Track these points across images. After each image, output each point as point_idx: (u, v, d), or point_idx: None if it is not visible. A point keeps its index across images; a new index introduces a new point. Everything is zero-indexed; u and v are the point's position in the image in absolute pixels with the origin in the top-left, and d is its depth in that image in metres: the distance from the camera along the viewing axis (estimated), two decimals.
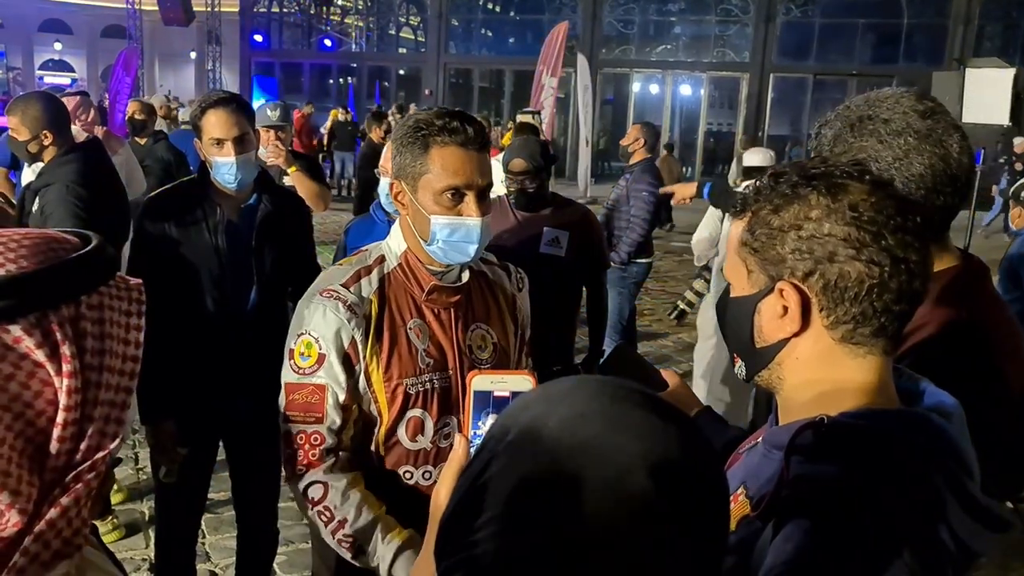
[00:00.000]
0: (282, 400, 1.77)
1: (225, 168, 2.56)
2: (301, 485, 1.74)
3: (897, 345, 1.01)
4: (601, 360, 1.52)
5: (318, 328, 1.71)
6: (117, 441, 0.81)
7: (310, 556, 3.51)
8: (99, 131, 5.20)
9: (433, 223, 1.70)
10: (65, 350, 0.77)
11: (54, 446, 0.77)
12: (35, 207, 3.22)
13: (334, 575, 1.93)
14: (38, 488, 0.77)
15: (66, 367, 0.77)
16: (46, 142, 3.36)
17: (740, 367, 1.10)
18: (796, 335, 1.00)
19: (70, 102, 4.51)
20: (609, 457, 0.63)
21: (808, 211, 0.96)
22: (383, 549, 1.67)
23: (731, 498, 1.00)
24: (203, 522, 3.74)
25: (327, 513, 1.72)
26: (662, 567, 0.63)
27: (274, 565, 3.17)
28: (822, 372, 1.00)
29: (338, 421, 1.74)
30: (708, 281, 5.01)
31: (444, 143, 1.67)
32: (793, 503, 0.90)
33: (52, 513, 0.76)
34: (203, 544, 3.67)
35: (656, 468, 0.63)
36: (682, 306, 5.69)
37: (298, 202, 2.95)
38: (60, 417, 0.77)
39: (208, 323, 2.61)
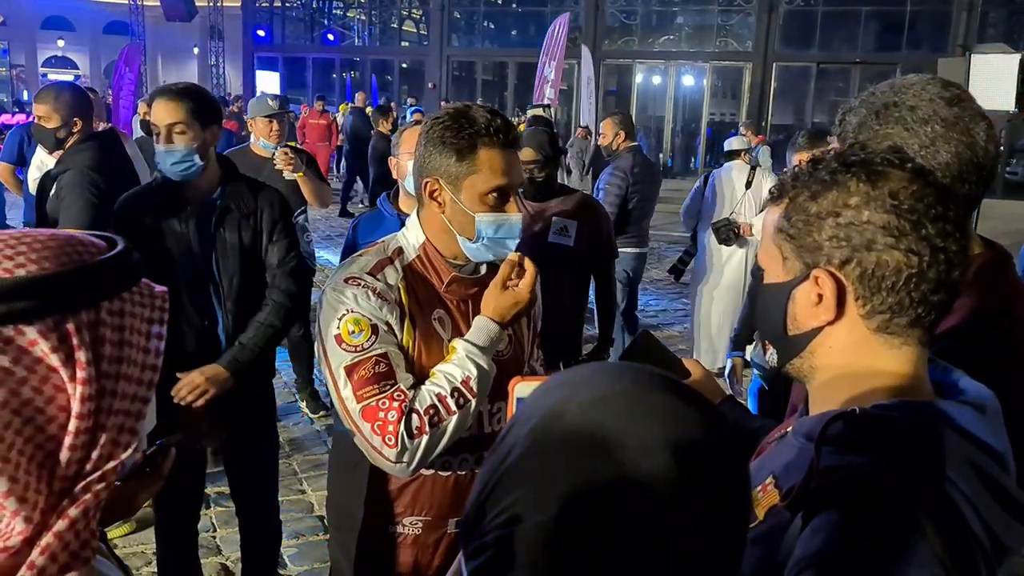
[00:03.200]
0: (346, 388, 1.65)
1: (167, 157, 2.53)
2: (401, 444, 1.62)
3: (932, 335, 0.99)
4: (623, 349, 1.51)
5: (359, 305, 1.69)
6: (130, 451, 0.79)
7: (321, 549, 3.54)
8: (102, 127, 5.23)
9: (479, 222, 1.71)
10: (80, 356, 0.75)
11: (65, 454, 0.75)
12: (52, 192, 3.31)
13: (353, 566, 1.94)
14: (45, 497, 0.75)
15: (80, 374, 0.75)
16: (75, 129, 3.46)
17: (772, 354, 1.08)
18: (830, 324, 0.98)
19: None
20: (629, 439, 0.63)
21: (847, 198, 0.95)
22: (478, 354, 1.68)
23: (760, 487, 0.99)
24: (213, 516, 3.78)
25: (439, 405, 1.65)
26: (683, 548, 0.63)
27: (285, 557, 3.19)
28: (856, 362, 0.98)
29: (410, 380, 1.69)
30: (695, 242, 6.21)
31: (491, 144, 1.68)
32: (823, 494, 0.89)
33: (60, 525, 0.74)
34: (213, 537, 3.68)
35: (677, 449, 0.63)
36: (679, 266, 6.72)
37: (264, 191, 2.78)
38: (72, 425, 0.75)
39: (185, 319, 2.61)
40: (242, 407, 2.67)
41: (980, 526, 0.88)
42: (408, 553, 1.88)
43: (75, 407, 0.75)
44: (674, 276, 6.52)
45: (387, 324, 1.71)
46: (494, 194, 1.70)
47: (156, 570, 3.43)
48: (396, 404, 1.64)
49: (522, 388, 1.01)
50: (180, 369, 2.53)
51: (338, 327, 1.68)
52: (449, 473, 1.83)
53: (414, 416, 1.64)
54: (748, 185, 5.73)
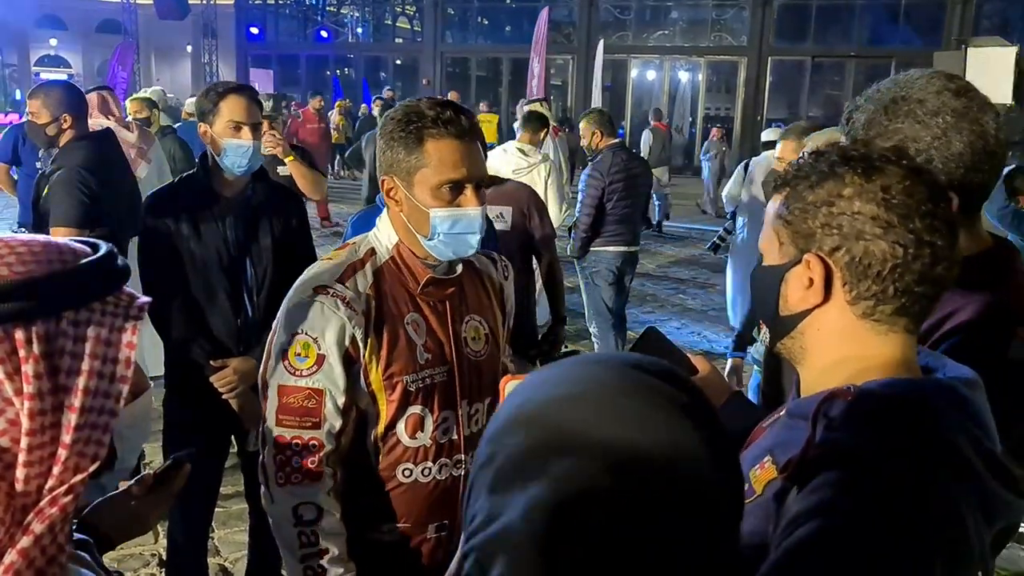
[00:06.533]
0: (272, 403, 1.68)
1: (240, 152, 2.61)
2: (292, 500, 1.67)
3: (920, 324, 1.03)
4: (632, 344, 1.50)
5: (317, 326, 1.64)
6: (97, 463, 0.75)
7: None
8: (133, 126, 5.26)
9: (432, 217, 1.65)
10: (28, 369, 0.71)
11: (20, 471, 0.71)
12: (45, 192, 3.30)
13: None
14: (2, 511, 0.71)
15: (28, 388, 0.71)
16: (64, 126, 3.44)
17: (765, 333, 1.14)
18: (819, 306, 1.03)
19: (93, 98, 4.58)
20: (594, 442, 0.63)
21: (842, 189, 1.00)
22: None
23: (758, 465, 1.02)
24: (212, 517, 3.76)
25: (312, 537, 1.67)
26: (658, 554, 0.61)
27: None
28: (844, 346, 1.03)
29: (337, 425, 1.68)
30: (734, 222, 6.47)
31: (439, 136, 1.62)
32: (818, 463, 0.93)
33: (24, 541, 0.71)
34: (212, 538, 3.67)
35: (626, 461, 0.62)
36: (717, 241, 6.96)
37: (291, 194, 2.99)
38: (24, 442, 0.71)
39: (219, 313, 2.66)
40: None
41: (976, 494, 0.91)
42: (391, 560, 1.83)
43: (25, 423, 0.71)
44: (713, 250, 7.16)
45: (352, 339, 1.66)
46: (447, 187, 1.63)
47: (155, 572, 3.43)
48: (306, 456, 1.66)
49: (512, 387, 1.01)
50: (212, 358, 2.63)
51: (288, 342, 1.66)
52: (429, 479, 1.78)
53: (312, 509, 1.67)
54: None
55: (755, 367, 3.82)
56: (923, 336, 1.28)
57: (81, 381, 0.75)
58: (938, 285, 1.00)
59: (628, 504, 0.61)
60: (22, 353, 0.71)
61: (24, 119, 3.83)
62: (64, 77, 27.31)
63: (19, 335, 0.72)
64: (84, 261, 0.79)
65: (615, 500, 0.61)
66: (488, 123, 8.62)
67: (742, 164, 6.80)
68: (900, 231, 0.96)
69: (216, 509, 3.55)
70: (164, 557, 3.28)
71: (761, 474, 1.01)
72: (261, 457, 1.73)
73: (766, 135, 7.40)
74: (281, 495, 1.69)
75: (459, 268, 1.80)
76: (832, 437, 0.94)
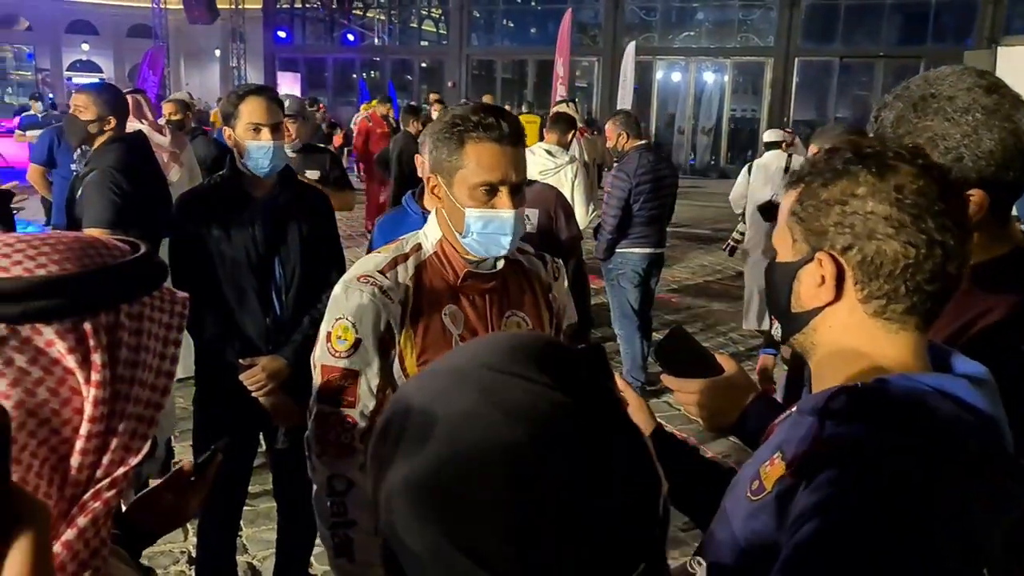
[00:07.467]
0: (316, 381, 1.80)
1: (261, 153, 2.65)
2: (327, 471, 1.79)
3: (931, 322, 1.03)
4: (657, 345, 1.51)
5: (355, 312, 1.75)
6: (140, 456, 0.77)
7: None
8: (166, 130, 5.34)
9: (467, 216, 1.73)
10: (96, 358, 0.73)
11: (76, 459, 0.73)
12: (79, 193, 3.35)
13: (384, 566, 1.95)
14: (56, 502, 0.73)
15: (95, 376, 0.73)
16: (107, 127, 3.51)
17: (777, 328, 1.15)
18: (830, 304, 1.04)
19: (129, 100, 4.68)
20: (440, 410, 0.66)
21: (855, 188, 1.00)
22: (372, 572, 1.76)
23: (768, 462, 1.02)
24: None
25: (341, 507, 1.77)
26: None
27: (311, 557, 3.21)
28: (855, 343, 1.04)
29: (371, 406, 1.78)
30: (744, 222, 7.00)
31: (479, 139, 1.69)
32: (825, 458, 0.93)
33: (69, 534, 0.72)
34: (241, 536, 3.70)
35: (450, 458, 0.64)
36: (732, 243, 7.28)
37: (319, 194, 3.01)
38: (84, 428, 0.73)
39: (249, 313, 2.70)
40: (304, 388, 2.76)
41: (986, 490, 0.91)
42: None
43: (88, 410, 0.73)
44: (730, 252, 7.41)
45: (387, 325, 1.76)
46: (483, 188, 1.71)
47: (184, 569, 3.48)
48: (341, 431, 1.78)
49: None
50: (241, 357, 2.67)
51: (332, 325, 1.78)
52: None
53: (343, 481, 1.78)
54: (786, 170, 6.30)
55: (784, 366, 3.78)
56: (953, 336, 1.28)
57: (136, 373, 0.78)
58: (950, 283, 1.00)
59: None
60: (91, 343, 0.74)
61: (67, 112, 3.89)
62: (95, 81, 27.69)
63: (87, 326, 0.74)
64: (132, 256, 0.81)
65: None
66: (531, 124, 8.64)
67: (746, 166, 7.13)
68: (912, 231, 0.97)
69: (244, 508, 3.60)
70: (193, 554, 3.32)
71: (771, 470, 1.01)
72: (307, 431, 1.85)
73: (768, 135, 7.57)
74: (319, 465, 1.81)
75: (500, 264, 1.86)
76: (838, 432, 0.95)
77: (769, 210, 6.22)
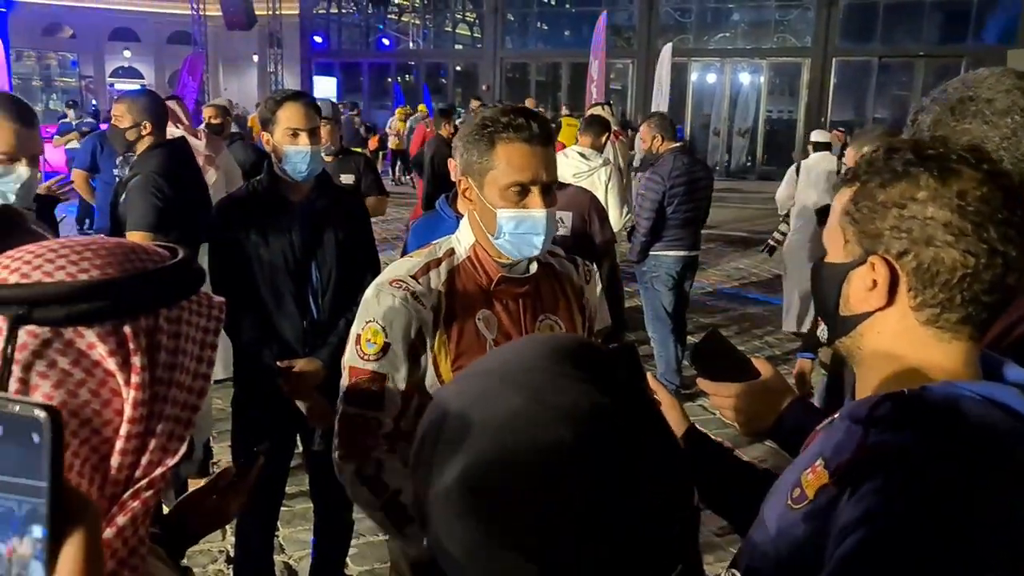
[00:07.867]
0: (344, 382, 1.81)
1: (299, 157, 2.68)
2: (352, 466, 1.79)
3: (986, 332, 1.00)
4: (693, 348, 1.50)
5: (386, 316, 1.75)
6: (177, 457, 0.79)
7: (380, 549, 3.58)
8: (201, 134, 5.43)
9: (499, 216, 1.73)
10: (136, 361, 0.75)
11: (116, 459, 0.75)
12: (123, 198, 3.43)
13: (411, 566, 1.96)
14: (95, 501, 0.74)
15: (135, 378, 0.75)
16: (144, 132, 3.59)
17: (823, 330, 1.12)
18: (880, 310, 1.01)
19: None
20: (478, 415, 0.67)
21: (915, 191, 0.96)
22: None
23: (810, 470, 1.00)
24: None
25: (380, 485, 1.76)
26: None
27: (346, 557, 3.24)
28: (904, 351, 1.00)
29: (397, 409, 1.78)
30: (788, 223, 6.77)
31: (509, 140, 1.70)
32: (869, 467, 0.91)
33: (108, 533, 0.74)
34: (277, 537, 3.74)
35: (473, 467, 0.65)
36: (772, 243, 7.08)
37: (354, 198, 3.06)
38: (124, 429, 0.75)
39: (286, 316, 2.73)
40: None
41: None
42: None
43: (128, 411, 0.75)
44: (769, 253, 7.28)
45: (418, 331, 1.76)
46: (514, 189, 1.71)
47: (222, 568, 3.52)
48: (367, 433, 1.77)
49: None
50: (279, 359, 2.70)
51: (362, 328, 1.78)
52: None
53: (371, 465, 1.78)
54: (838, 173, 6.09)
55: (822, 370, 3.73)
56: (999, 336, 1.25)
57: (174, 376, 0.79)
58: (1007, 294, 0.96)
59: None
60: (131, 346, 0.76)
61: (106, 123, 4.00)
62: (137, 87, 28.22)
63: (127, 329, 0.76)
64: (171, 261, 0.83)
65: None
66: (572, 127, 8.63)
67: (793, 166, 6.97)
68: (973, 240, 0.93)
69: (281, 508, 3.64)
70: (232, 553, 3.37)
71: (812, 478, 0.99)
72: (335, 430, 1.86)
73: (815, 136, 7.39)
74: (343, 464, 1.81)
75: (533, 268, 1.86)
76: (883, 439, 0.93)
77: (826, 213, 6.10)
